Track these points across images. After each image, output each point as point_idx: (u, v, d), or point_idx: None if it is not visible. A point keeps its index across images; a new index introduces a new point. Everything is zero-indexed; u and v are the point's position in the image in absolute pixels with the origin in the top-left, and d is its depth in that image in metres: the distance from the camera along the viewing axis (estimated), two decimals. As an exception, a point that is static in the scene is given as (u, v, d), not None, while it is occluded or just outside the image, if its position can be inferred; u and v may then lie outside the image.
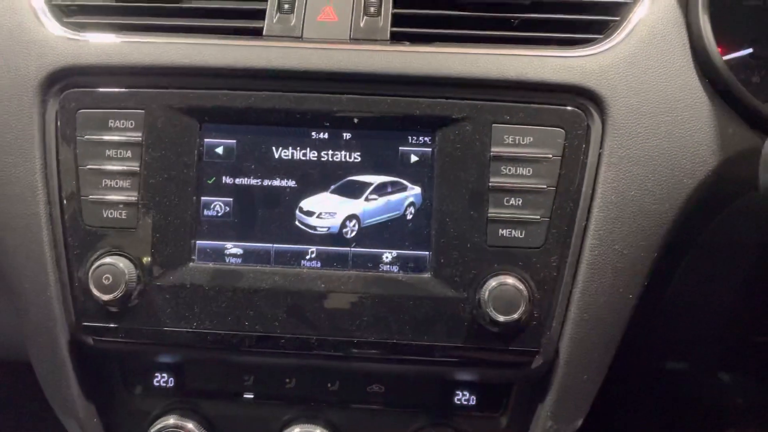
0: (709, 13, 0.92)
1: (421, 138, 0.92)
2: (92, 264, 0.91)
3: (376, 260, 0.93)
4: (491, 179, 0.90)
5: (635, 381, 1.56)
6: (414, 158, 0.93)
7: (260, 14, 0.96)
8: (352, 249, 0.93)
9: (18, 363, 1.13)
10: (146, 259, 0.92)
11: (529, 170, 0.90)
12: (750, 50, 1.02)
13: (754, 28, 1.01)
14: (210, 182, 0.93)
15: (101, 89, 0.94)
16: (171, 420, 1.00)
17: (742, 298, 1.25)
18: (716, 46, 0.91)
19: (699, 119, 0.92)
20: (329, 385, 1.02)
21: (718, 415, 1.87)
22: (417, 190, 0.92)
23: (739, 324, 1.33)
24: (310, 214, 0.94)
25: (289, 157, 0.93)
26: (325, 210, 0.94)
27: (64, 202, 0.93)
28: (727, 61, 0.93)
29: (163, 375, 1.03)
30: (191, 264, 0.93)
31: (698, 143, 0.91)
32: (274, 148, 0.93)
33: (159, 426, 0.99)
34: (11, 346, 1.13)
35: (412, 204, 0.93)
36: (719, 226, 1.03)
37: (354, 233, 0.93)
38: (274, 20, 0.96)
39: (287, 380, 1.02)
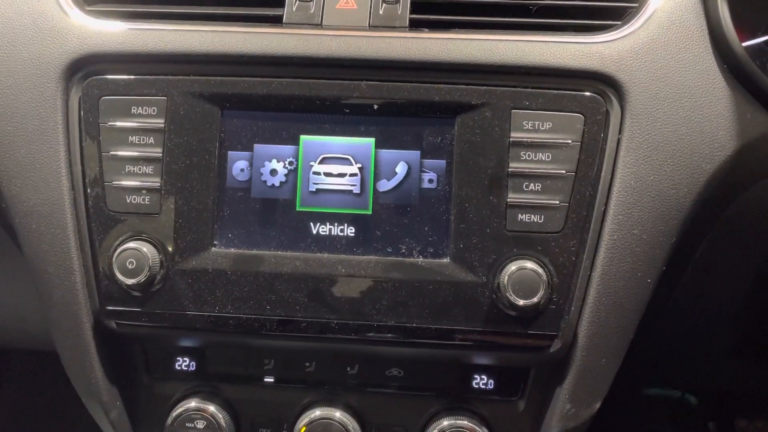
0: (728, -1, 0.92)
1: (440, 124, 0.93)
2: (116, 249, 0.92)
3: (396, 245, 0.93)
4: (510, 165, 0.91)
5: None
6: (434, 144, 0.93)
7: (280, 2, 0.97)
8: (372, 234, 0.94)
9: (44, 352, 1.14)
10: (169, 244, 0.93)
11: (548, 156, 0.91)
12: (767, 37, 1.01)
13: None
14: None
15: (123, 76, 0.95)
16: (192, 403, 1.01)
17: (753, 287, 1.25)
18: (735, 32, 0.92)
19: (717, 105, 0.92)
20: (348, 368, 1.03)
21: (729, 404, 1.87)
22: (436, 175, 0.93)
23: (750, 313, 1.33)
24: (329, 199, 0.94)
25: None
26: (345, 196, 0.94)
27: (88, 188, 0.94)
28: (746, 48, 0.93)
29: (185, 359, 1.04)
30: (213, 249, 0.94)
31: (716, 128, 0.91)
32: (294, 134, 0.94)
33: (180, 409, 1.01)
34: (37, 334, 1.15)
35: (431, 189, 0.93)
36: (734, 215, 1.03)
37: (374, 219, 0.94)
38: (294, 8, 0.97)
39: (307, 364, 1.03)
